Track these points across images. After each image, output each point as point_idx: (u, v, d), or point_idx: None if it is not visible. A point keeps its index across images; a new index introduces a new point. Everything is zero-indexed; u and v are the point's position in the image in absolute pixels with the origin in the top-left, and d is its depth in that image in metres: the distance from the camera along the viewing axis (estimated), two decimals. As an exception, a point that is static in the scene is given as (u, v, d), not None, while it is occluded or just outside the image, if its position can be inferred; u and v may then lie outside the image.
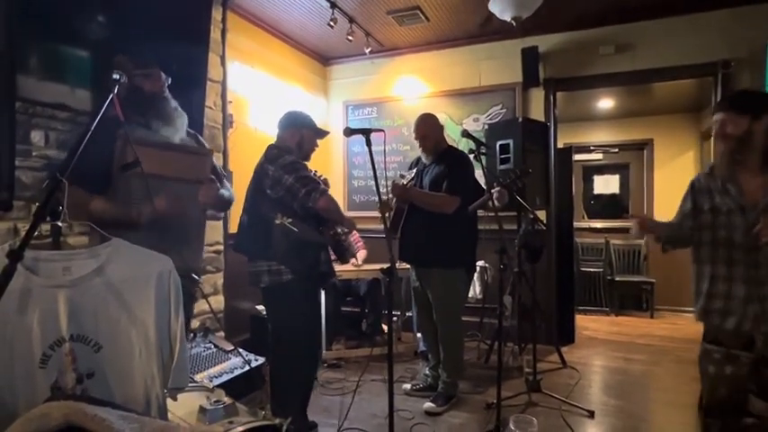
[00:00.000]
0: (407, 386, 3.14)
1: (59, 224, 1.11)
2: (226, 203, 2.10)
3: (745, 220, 1.66)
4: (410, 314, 4.00)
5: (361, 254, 4.18)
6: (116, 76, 1.49)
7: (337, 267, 2.81)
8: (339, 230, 2.44)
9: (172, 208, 1.71)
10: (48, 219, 1.10)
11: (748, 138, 1.65)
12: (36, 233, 1.01)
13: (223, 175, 2.17)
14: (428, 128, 2.95)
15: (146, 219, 1.68)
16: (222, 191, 2.00)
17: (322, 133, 2.54)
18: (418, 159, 3.13)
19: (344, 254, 2.50)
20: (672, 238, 1.88)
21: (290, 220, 2.19)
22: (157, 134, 1.84)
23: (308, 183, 2.22)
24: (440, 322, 2.90)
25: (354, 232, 4.32)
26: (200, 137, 2.10)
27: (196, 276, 1.89)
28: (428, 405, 2.84)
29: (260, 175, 2.31)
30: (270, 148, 2.40)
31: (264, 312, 3.34)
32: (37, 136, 2.24)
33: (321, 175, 2.81)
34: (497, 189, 2.81)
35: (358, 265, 3.99)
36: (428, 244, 2.83)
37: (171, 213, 1.70)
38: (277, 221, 2.19)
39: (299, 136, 2.42)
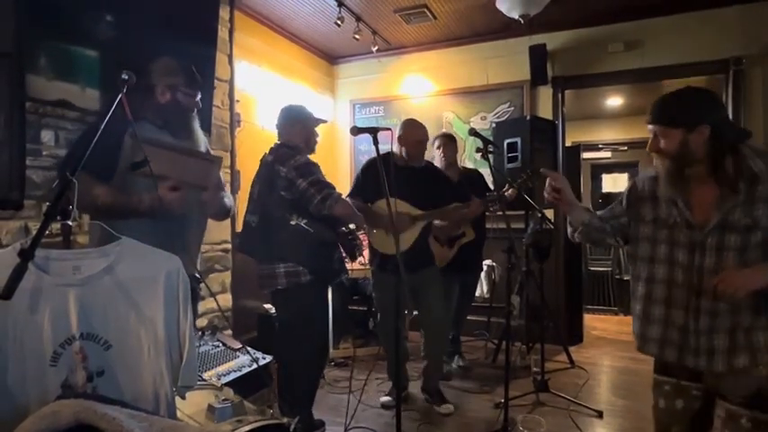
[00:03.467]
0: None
1: (70, 223, 1.12)
2: (226, 212, 2.07)
3: (690, 237, 1.43)
4: (417, 313, 3.99)
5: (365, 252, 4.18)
6: (125, 77, 1.49)
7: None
8: (351, 228, 2.43)
9: (175, 199, 1.65)
10: (58, 218, 1.10)
11: (686, 152, 1.41)
12: (47, 232, 1.02)
13: (223, 184, 2.12)
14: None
15: (146, 207, 1.64)
16: (225, 200, 1.99)
17: (321, 122, 2.53)
18: (375, 162, 2.95)
19: (354, 252, 2.47)
20: (587, 229, 1.64)
21: (305, 220, 2.19)
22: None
23: (323, 188, 2.20)
24: (433, 314, 2.87)
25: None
26: (209, 148, 2.11)
27: (198, 276, 1.89)
28: (446, 406, 2.81)
29: (271, 175, 2.28)
30: (279, 147, 2.38)
31: (273, 312, 3.35)
32: (47, 135, 2.26)
33: None
34: (507, 189, 2.78)
35: (364, 264, 3.98)
36: (424, 248, 2.83)
37: (173, 205, 1.64)
38: (292, 222, 2.19)
39: (307, 132, 2.40)
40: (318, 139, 2.51)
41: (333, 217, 2.23)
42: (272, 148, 2.41)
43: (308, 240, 2.20)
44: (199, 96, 1.91)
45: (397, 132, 2.83)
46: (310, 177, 2.20)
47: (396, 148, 2.82)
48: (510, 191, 2.78)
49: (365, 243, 4.22)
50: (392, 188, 2.66)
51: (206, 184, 1.87)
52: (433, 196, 2.76)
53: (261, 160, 2.42)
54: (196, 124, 1.93)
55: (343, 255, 2.48)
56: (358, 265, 3.89)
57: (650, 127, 1.50)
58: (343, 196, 2.34)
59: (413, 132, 2.81)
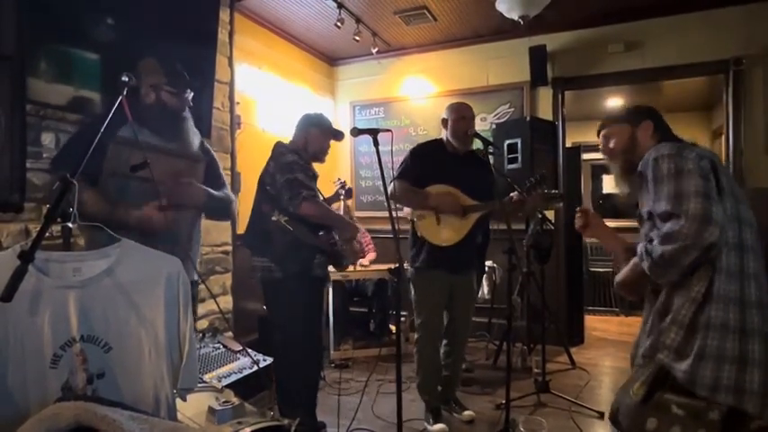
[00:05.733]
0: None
1: (70, 225, 1.12)
2: (220, 207, 2.03)
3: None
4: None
5: (370, 256, 4.17)
6: (125, 79, 1.49)
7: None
8: (335, 235, 2.37)
9: (160, 220, 1.67)
10: (58, 220, 1.10)
11: (634, 145, 1.50)
12: (47, 234, 1.02)
13: (223, 182, 2.10)
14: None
15: (133, 221, 1.65)
16: (214, 193, 1.96)
17: (333, 133, 2.46)
18: (431, 146, 2.73)
19: (340, 260, 2.42)
20: None
21: (285, 218, 2.19)
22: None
23: (295, 187, 2.19)
24: (467, 324, 2.81)
25: (366, 234, 4.32)
26: (205, 143, 2.09)
27: (195, 278, 1.88)
28: (468, 413, 2.75)
29: (263, 171, 2.35)
30: (277, 144, 2.41)
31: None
32: (47, 138, 2.26)
33: (346, 185, 2.89)
34: (517, 194, 2.68)
35: (365, 266, 3.99)
36: (472, 249, 2.71)
37: (159, 224, 1.66)
38: (274, 218, 2.20)
39: (305, 136, 2.41)
40: (326, 149, 2.46)
41: (302, 216, 2.21)
42: None
43: (285, 238, 2.20)
44: (188, 95, 1.88)
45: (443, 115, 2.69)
46: (288, 175, 2.21)
47: (443, 135, 2.69)
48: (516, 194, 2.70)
49: (369, 247, 4.24)
50: (445, 175, 2.57)
51: (190, 182, 1.86)
52: (481, 187, 2.58)
53: None
54: (187, 124, 1.91)
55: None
56: (359, 267, 3.89)
57: (601, 134, 1.64)
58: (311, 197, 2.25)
59: (454, 108, 2.65)
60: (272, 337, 2.40)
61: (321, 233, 2.34)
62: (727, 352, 1.19)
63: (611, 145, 1.58)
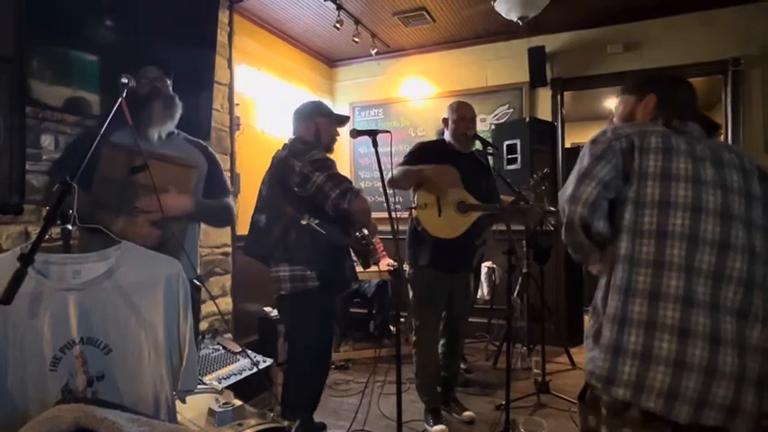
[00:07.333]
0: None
1: (69, 228, 1.12)
2: (213, 217, 2.00)
3: None
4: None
5: (384, 261, 4.14)
6: (124, 81, 1.49)
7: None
8: (365, 233, 2.27)
9: (150, 236, 1.62)
10: (58, 222, 1.10)
11: (631, 119, 1.39)
12: (47, 236, 1.02)
13: (225, 190, 2.05)
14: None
15: (117, 231, 1.55)
16: (208, 202, 1.91)
17: (339, 119, 2.37)
18: (435, 145, 2.71)
19: (368, 258, 2.31)
20: None
21: (317, 221, 2.06)
22: (142, 137, 1.76)
23: (342, 182, 2.08)
24: (464, 324, 2.81)
25: (376, 238, 4.30)
26: (209, 148, 2.05)
27: (197, 282, 1.85)
28: (468, 414, 2.74)
29: (283, 170, 2.12)
30: (294, 141, 2.25)
31: (274, 315, 3.28)
32: (47, 140, 2.26)
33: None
34: (526, 194, 2.62)
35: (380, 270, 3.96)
36: (471, 249, 2.68)
37: (147, 241, 1.59)
38: (303, 222, 2.05)
39: (314, 126, 2.27)
40: (336, 137, 2.36)
41: (350, 213, 2.09)
42: (285, 144, 2.27)
43: (319, 242, 2.08)
44: (154, 78, 1.82)
45: (444, 115, 2.68)
46: (327, 171, 2.08)
47: (445, 134, 2.67)
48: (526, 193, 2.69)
49: (382, 253, 4.22)
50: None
51: (184, 189, 1.83)
52: (482, 187, 2.57)
53: (273, 157, 2.27)
54: (161, 111, 1.82)
55: (355, 261, 2.35)
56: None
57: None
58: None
59: (454, 109, 2.63)
60: (289, 344, 2.30)
61: (351, 232, 2.23)
62: (628, 345, 1.11)
63: (615, 117, 1.47)
